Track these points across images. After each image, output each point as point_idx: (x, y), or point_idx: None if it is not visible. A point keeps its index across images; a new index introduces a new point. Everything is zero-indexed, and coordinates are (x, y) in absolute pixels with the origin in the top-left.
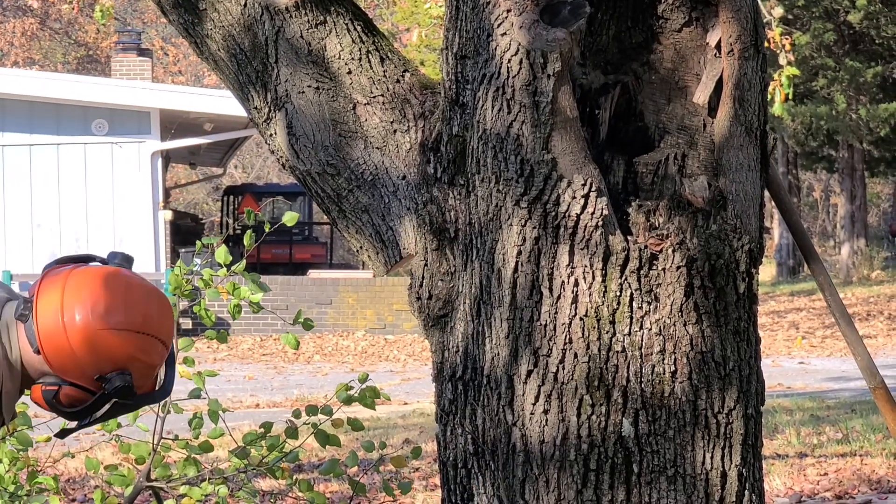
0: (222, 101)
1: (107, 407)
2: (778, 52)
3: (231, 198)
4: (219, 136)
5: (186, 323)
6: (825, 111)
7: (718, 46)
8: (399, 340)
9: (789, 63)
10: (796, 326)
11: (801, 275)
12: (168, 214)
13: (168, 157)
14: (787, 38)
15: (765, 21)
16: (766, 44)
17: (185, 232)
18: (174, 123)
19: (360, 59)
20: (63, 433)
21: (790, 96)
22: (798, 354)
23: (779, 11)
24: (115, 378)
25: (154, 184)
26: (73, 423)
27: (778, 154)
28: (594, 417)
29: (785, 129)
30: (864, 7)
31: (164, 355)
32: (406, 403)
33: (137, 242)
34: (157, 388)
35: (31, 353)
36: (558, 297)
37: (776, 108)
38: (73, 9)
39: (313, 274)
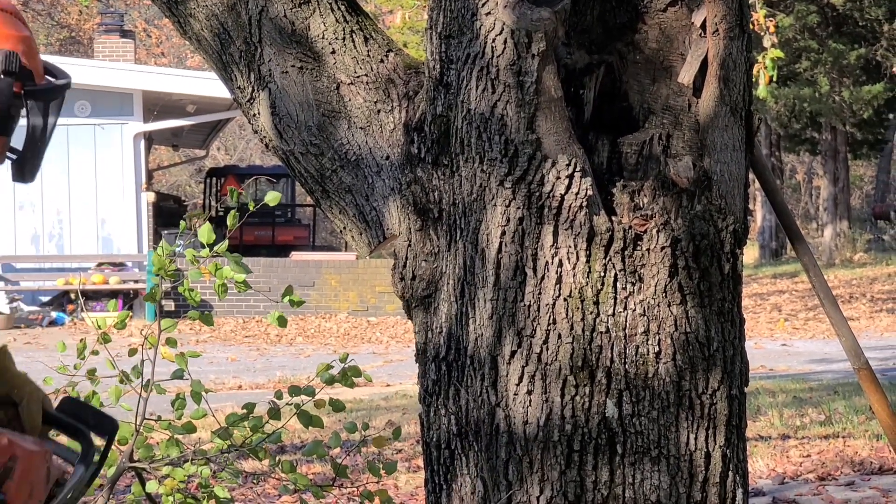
0: (205, 83)
1: (20, 107)
2: (762, 34)
3: (214, 180)
4: (201, 118)
5: (169, 305)
6: (808, 93)
7: (703, 26)
8: (382, 322)
9: (773, 45)
10: (779, 309)
11: (784, 257)
12: (151, 196)
13: (151, 139)
14: (771, 21)
15: (749, 3)
16: (750, 25)
17: (167, 214)
18: (157, 105)
19: (343, 38)
20: None
21: (774, 78)
22: (781, 336)
23: None
24: None
25: (137, 165)
26: (21, 150)
27: (761, 136)
28: (578, 398)
29: (768, 112)
30: None
31: (22, 24)
32: (389, 385)
33: (120, 224)
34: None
35: None
36: (542, 278)
37: (760, 91)
38: None
39: (296, 256)
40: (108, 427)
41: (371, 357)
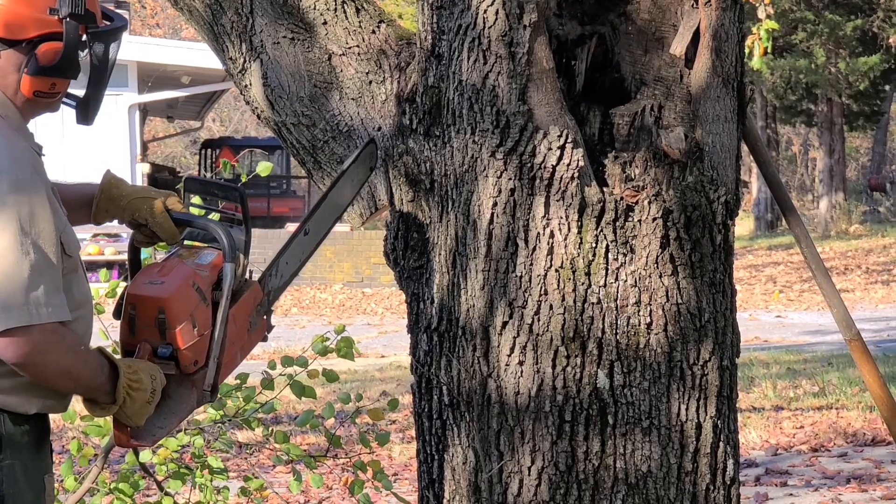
0: (200, 54)
1: (84, 51)
2: (757, 5)
3: (209, 151)
4: (196, 89)
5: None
6: (804, 65)
7: None
8: (376, 293)
9: (768, 16)
10: (774, 280)
11: (780, 229)
12: (146, 167)
13: (146, 111)
14: None
15: None
16: None
17: (162, 185)
18: (151, 76)
19: (335, 9)
20: None
21: (769, 50)
22: (775, 308)
23: None
24: (62, 0)
25: (132, 137)
26: (85, 91)
27: (757, 108)
28: (569, 369)
29: (764, 83)
30: None
31: None
32: (383, 356)
33: None
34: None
35: (0, 76)
36: (534, 249)
37: (755, 62)
38: None
39: (291, 227)
40: (235, 193)
41: (366, 328)
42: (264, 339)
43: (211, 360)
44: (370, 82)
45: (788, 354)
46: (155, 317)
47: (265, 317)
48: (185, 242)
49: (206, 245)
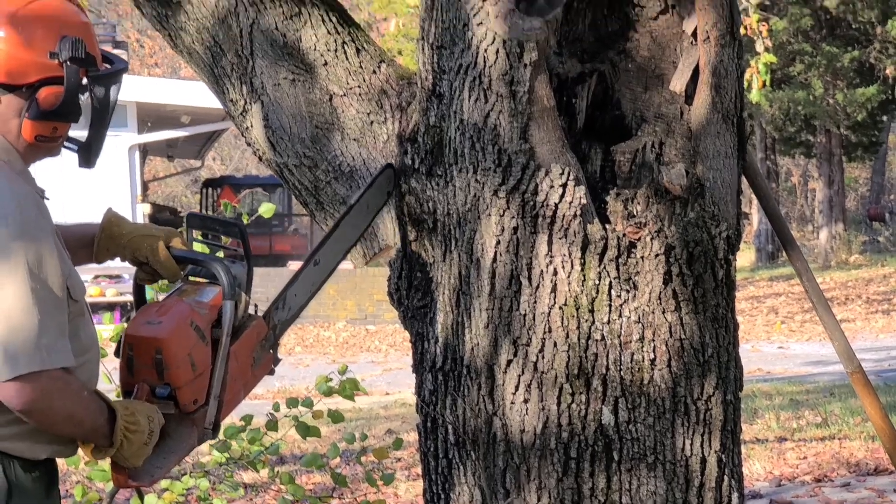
0: (199, 94)
1: (84, 95)
2: (755, 38)
3: (210, 190)
4: (196, 129)
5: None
6: (803, 96)
7: (695, 34)
8: (380, 331)
9: (766, 49)
10: (775, 311)
11: (780, 260)
12: (146, 208)
13: (146, 150)
14: (763, 25)
15: (742, 7)
16: (742, 30)
17: (164, 225)
18: (151, 116)
19: (335, 50)
20: None
21: (767, 83)
22: (777, 339)
23: None
24: (63, 45)
25: (132, 177)
26: (87, 135)
27: (756, 140)
28: (574, 406)
29: (763, 115)
30: None
31: (81, 11)
32: (388, 394)
33: None
34: (113, 63)
35: (2, 121)
36: (537, 287)
37: (754, 95)
38: None
39: (293, 265)
40: (236, 229)
41: (370, 366)
42: (271, 372)
43: (211, 399)
44: (371, 122)
45: (791, 385)
46: (152, 357)
47: (271, 351)
48: (189, 279)
49: (207, 282)
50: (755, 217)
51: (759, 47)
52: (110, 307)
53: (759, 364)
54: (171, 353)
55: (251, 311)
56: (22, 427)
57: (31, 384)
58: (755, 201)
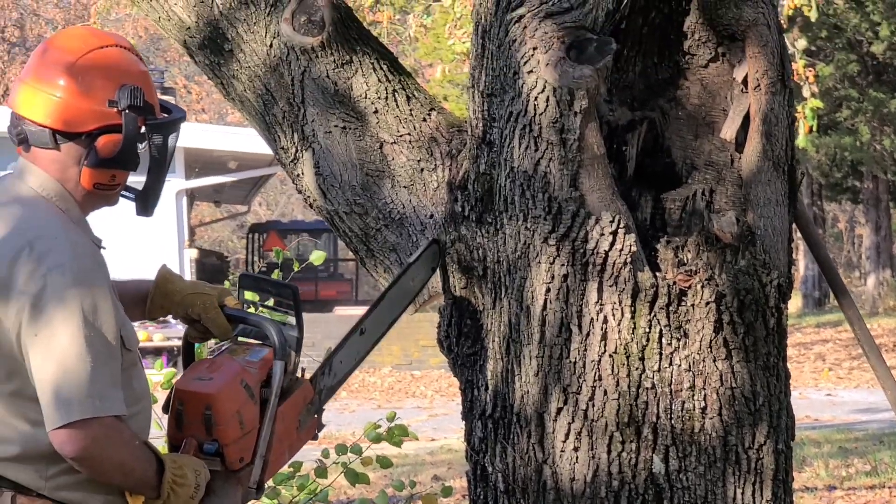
0: (246, 139)
1: (143, 143)
2: (802, 84)
3: (256, 235)
4: (243, 174)
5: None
6: (849, 142)
7: (745, 82)
8: (426, 376)
9: (813, 95)
10: (823, 358)
11: (827, 306)
12: (193, 253)
13: (193, 196)
14: (810, 70)
15: (788, 53)
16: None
17: (210, 270)
18: (199, 162)
19: (386, 98)
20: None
21: (814, 128)
22: (825, 386)
23: (802, 43)
24: (121, 93)
25: (179, 223)
26: (144, 183)
27: (803, 185)
28: (625, 454)
29: (809, 161)
30: (887, 38)
31: (140, 61)
32: (433, 440)
33: None
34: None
35: (60, 169)
36: (587, 334)
37: (800, 141)
38: None
39: (339, 311)
40: (288, 292)
41: (415, 411)
42: (314, 437)
43: (257, 458)
44: (422, 170)
45: (840, 433)
46: (202, 413)
47: (316, 416)
48: (238, 339)
49: (258, 342)
50: (801, 263)
51: (805, 93)
52: (157, 352)
53: (807, 411)
54: (220, 409)
55: (298, 374)
56: (76, 476)
57: (83, 431)
58: (801, 246)
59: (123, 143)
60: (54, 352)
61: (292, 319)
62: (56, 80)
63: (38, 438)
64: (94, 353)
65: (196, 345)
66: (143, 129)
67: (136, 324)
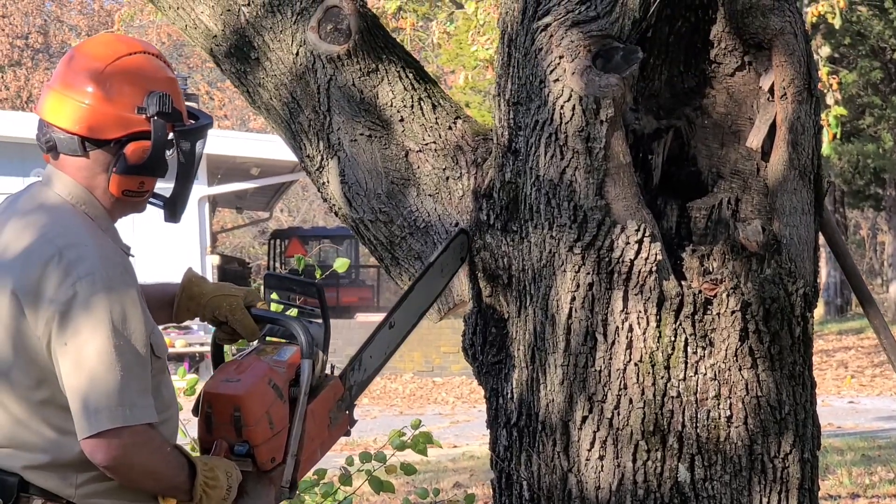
0: (269, 146)
1: (171, 150)
2: (825, 91)
3: (278, 241)
4: (265, 181)
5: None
6: (872, 149)
7: (772, 90)
8: (447, 383)
9: (836, 102)
10: (845, 365)
11: (850, 313)
12: (215, 259)
13: (215, 202)
14: (834, 78)
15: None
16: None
17: (232, 276)
18: (221, 168)
19: (412, 106)
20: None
21: (837, 136)
22: (848, 394)
23: (826, 50)
24: (150, 100)
25: (201, 229)
26: (172, 189)
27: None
28: (650, 463)
29: (832, 168)
30: None
31: (167, 67)
32: (455, 446)
33: None
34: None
35: (89, 176)
36: (613, 343)
37: (824, 148)
38: None
39: (360, 317)
40: (314, 290)
41: (437, 418)
42: (347, 433)
43: (289, 457)
44: (447, 178)
45: (862, 441)
46: (231, 414)
47: (347, 412)
48: (266, 339)
49: (285, 341)
50: (823, 270)
51: (829, 100)
52: (179, 358)
53: (830, 419)
54: (249, 410)
55: (327, 371)
56: (106, 484)
57: (114, 440)
58: (823, 253)
59: (152, 149)
60: (84, 361)
61: (319, 318)
62: (84, 87)
63: (68, 446)
64: (124, 361)
65: (224, 347)
66: (171, 136)
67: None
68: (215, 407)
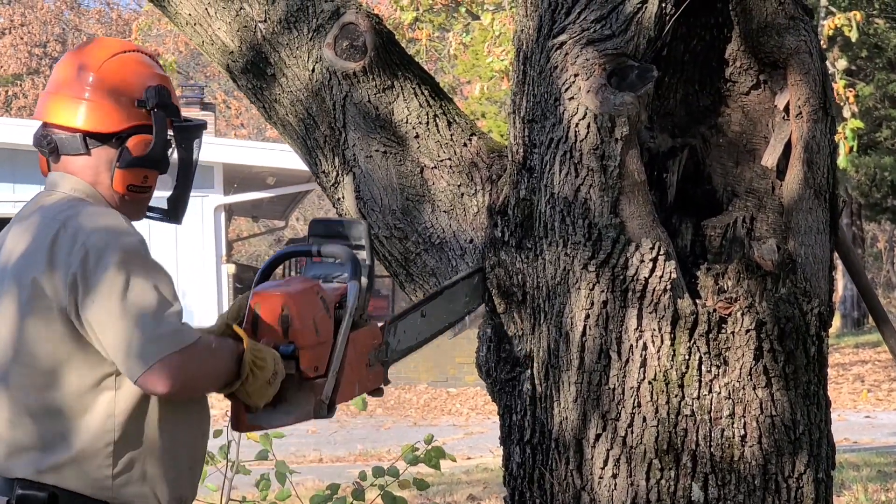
0: (285, 155)
1: (170, 148)
2: (842, 104)
3: None
4: (281, 190)
5: None
6: (889, 162)
7: (787, 109)
8: (461, 393)
9: (853, 115)
10: (861, 379)
11: (866, 327)
12: (231, 268)
13: (231, 211)
14: (850, 91)
15: (829, 73)
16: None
17: (248, 285)
18: (237, 178)
19: (427, 123)
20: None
21: (854, 148)
22: (864, 408)
23: (843, 63)
24: (148, 93)
25: (217, 238)
26: (172, 192)
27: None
28: (663, 482)
29: (849, 181)
30: None
31: (160, 66)
32: (469, 458)
33: (201, 296)
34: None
35: (93, 174)
36: (627, 361)
37: (840, 161)
38: None
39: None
40: (360, 229)
41: (451, 429)
42: (380, 392)
43: (330, 373)
44: (462, 195)
45: (879, 457)
46: (279, 314)
47: (383, 367)
48: (314, 262)
49: (333, 264)
50: (840, 283)
51: (846, 113)
52: None
53: (846, 434)
54: (297, 310)
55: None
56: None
57: (165, 369)
58: (840, 266)
59: (154, 141)
60: (114, 308)
61: (363, 254)
62: (82, 85)
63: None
64: (152, 296)
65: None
66: (169, 132)
67: None
68: (263, 307)
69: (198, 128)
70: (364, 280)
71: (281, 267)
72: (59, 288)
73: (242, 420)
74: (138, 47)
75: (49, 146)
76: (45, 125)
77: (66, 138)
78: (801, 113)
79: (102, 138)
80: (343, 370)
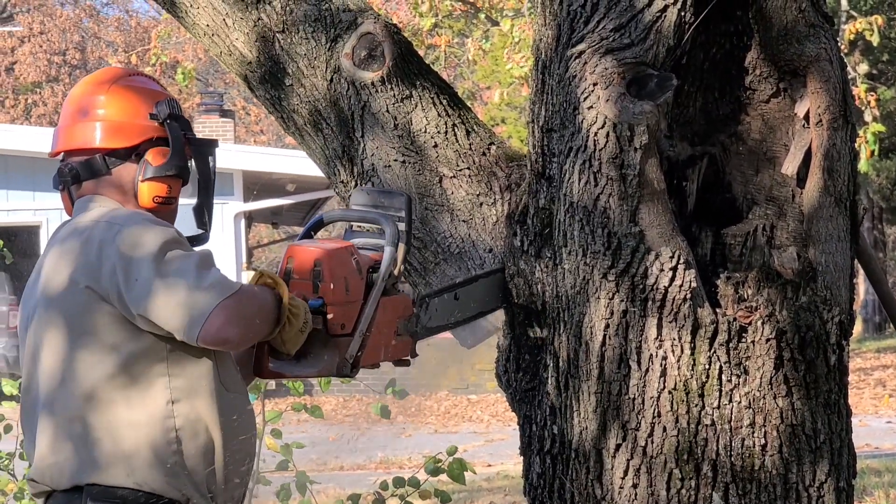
0: (304, 162)
1: (187, 150)
2: (863, 108)
3: None
4: (301, 197)
5: (270, 384)
6: None
7: (807, 117)
8: (482, 400)
9: (874, 119)
10: (883, 384)
11: (888, 331)
12: (251, 275)
13: (251, 218)
14: (872, 94)
15: (850, 77)
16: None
17: None
18: (257, 185)
19: (446, 132)
20: None
21: (875, 152)
22: (886, 413)
23: (864, 67)
24: (159, 107)
25: (237, 245)
26: (196, 202)
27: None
28: (684, 491)
29: (870, 185)
30: None
31: (164, 89)
32: (490, 465)
33: None
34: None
35: (119, 192)
36: (647, 370)
37: (862, 165)
38: (155, 71)
39: None
40: (401, 200)
41: (472, 436)
42: (406, 363)
43: (357, 333)
44: (481, 204)
45: None
46: (311, 269)
47: (412, 339)
48: (353, 227)
49: (371, 231)
50: (861, 287)
51: (867, 117)
52: None
53: (867, 439)
54: (329, 266)
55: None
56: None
57: (216, 320)
58: (861, 270)
59: (172, 150)
60: (156, 283)
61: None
62: (95, 108)
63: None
64: (189, 261)
65: None
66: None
67: None
68: (297, 260)
69: (210, 143)
70: (402, 247)
71: None
72: (105, 278)
73: (265, 367)
74: (141, 72)
75: (71, 173)
76: (63, 159)
77: (85, 162)
78: (821, 121)
79: (121, 155)
80: (370, 332)
